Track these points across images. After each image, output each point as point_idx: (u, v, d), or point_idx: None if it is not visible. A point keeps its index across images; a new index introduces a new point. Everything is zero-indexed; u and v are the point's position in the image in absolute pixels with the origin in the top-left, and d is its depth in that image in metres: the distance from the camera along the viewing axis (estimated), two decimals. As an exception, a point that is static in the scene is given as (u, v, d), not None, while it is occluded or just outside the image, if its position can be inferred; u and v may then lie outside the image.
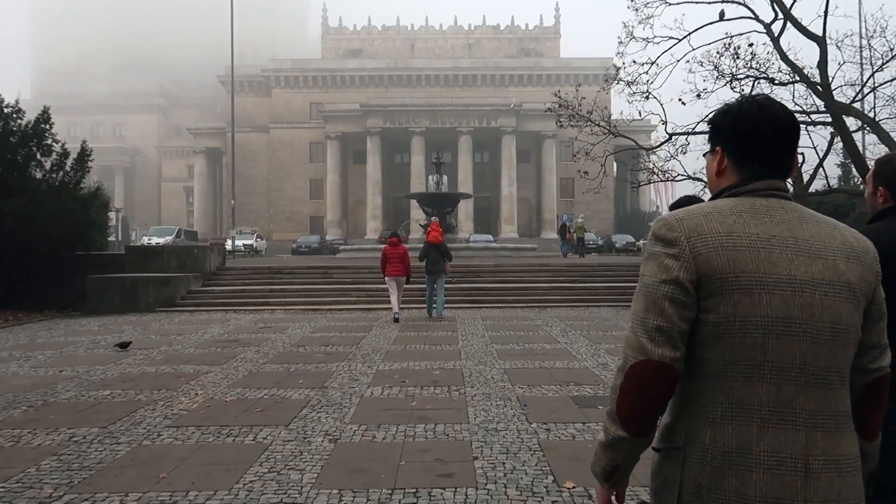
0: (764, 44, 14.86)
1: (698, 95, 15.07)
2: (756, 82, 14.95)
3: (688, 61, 15.34)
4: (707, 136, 1.65)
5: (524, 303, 16.53)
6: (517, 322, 13.43)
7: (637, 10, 16.19)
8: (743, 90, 15.01)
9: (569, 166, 63.20)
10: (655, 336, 1.44)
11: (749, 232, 1.45)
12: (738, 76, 14.85)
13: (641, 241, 44.97)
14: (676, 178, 16.66)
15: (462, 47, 74.33)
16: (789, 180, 1.58)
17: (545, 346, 10.21)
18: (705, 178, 1.67)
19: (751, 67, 14.78)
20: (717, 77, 15.01)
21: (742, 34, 15.53)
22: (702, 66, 15.16)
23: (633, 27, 16.37)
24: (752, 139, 1.52)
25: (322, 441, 5.34)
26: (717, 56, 15.04)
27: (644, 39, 16.39)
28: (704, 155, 1.67)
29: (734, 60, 14.77)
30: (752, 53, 14.72)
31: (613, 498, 1.59)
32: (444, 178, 33.48)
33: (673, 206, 4.51)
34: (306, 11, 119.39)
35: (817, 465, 1.40)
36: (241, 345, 10.66)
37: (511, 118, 58.69)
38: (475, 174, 58.85)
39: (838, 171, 31.47)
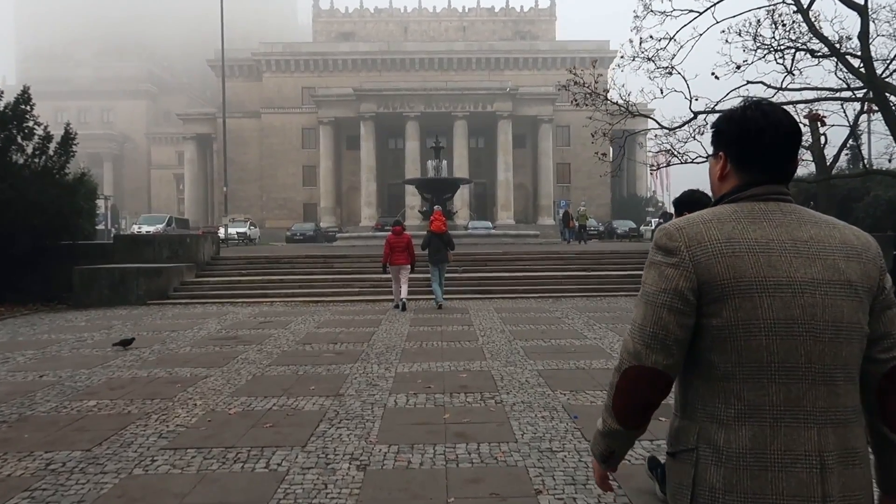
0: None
1: (738, 67, 14.12)
2: (796, 54, 14.04)
3: (722, 31, 14.43)
4: (712, 136, 1.62)
5: (537, 293, 15.68)
6: (534, 314, 12.58)
7: None
8: (784, 62, 14.13)
9: (565, 151, 62.49)
10: (651, 343, 1.48)
11: (747, 237, 1.46)
12: (780, 48, 13.92)
13: (644, 227, 44.19)
14: (696, 160, 15.78)
15: (456, 30, 73.04)
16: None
17: (574, 343, 9.39)
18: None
19: (790, 39, 13.88)
20: (757, 48, 14.07)
21: (767, 6, 14.61)
22: (739, 35, 14.22)
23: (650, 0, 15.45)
24: (755, 146, 1.52)
25: (349, 469, 4.49)
26: (757, 24, 14.11)
27: (662, 13, 15.49)
28: (708, 157, 1.55)
29: (774, 30, 13.84)
30: (794, 22, 13.78)
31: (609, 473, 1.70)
32: (444, 163, 32.53)
33: (676, 202, 3.80)
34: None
35: (831, 460, 1.42)
36: (242, 342, 9.78)
37: (507, 102, 57.54)
38: (471, 159, 57.72)
39: (846, 154, 30.58)
